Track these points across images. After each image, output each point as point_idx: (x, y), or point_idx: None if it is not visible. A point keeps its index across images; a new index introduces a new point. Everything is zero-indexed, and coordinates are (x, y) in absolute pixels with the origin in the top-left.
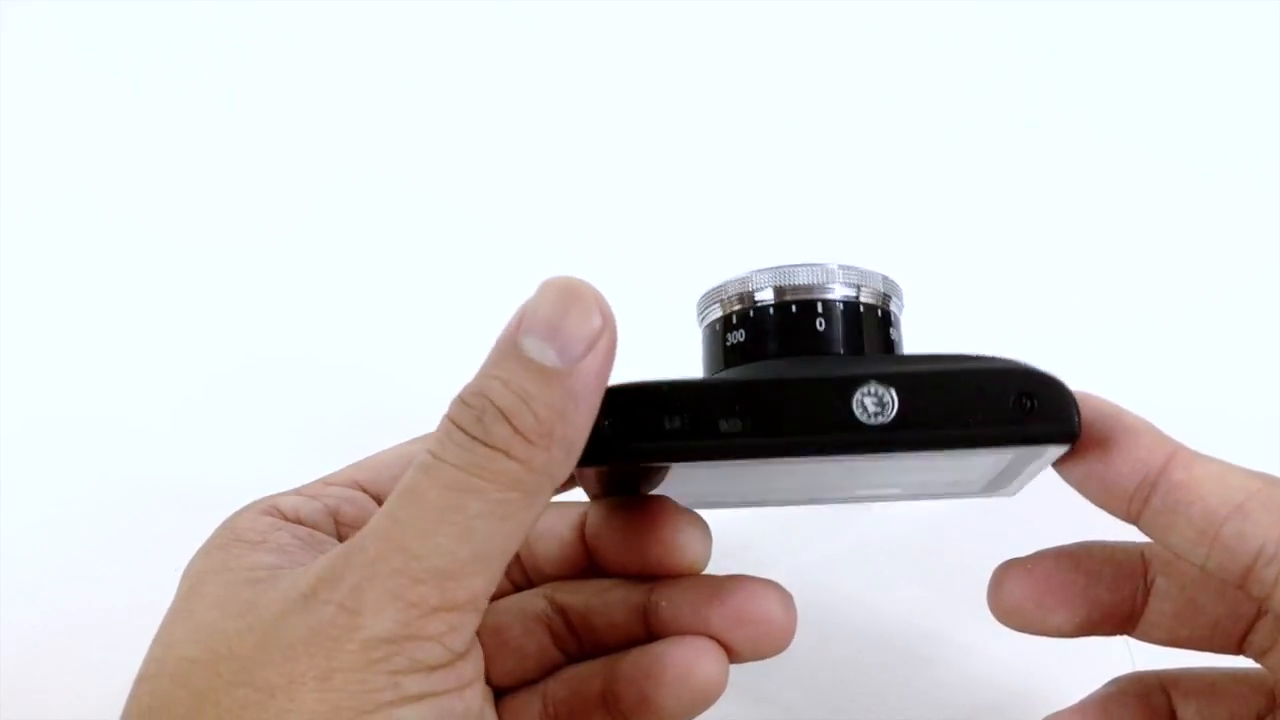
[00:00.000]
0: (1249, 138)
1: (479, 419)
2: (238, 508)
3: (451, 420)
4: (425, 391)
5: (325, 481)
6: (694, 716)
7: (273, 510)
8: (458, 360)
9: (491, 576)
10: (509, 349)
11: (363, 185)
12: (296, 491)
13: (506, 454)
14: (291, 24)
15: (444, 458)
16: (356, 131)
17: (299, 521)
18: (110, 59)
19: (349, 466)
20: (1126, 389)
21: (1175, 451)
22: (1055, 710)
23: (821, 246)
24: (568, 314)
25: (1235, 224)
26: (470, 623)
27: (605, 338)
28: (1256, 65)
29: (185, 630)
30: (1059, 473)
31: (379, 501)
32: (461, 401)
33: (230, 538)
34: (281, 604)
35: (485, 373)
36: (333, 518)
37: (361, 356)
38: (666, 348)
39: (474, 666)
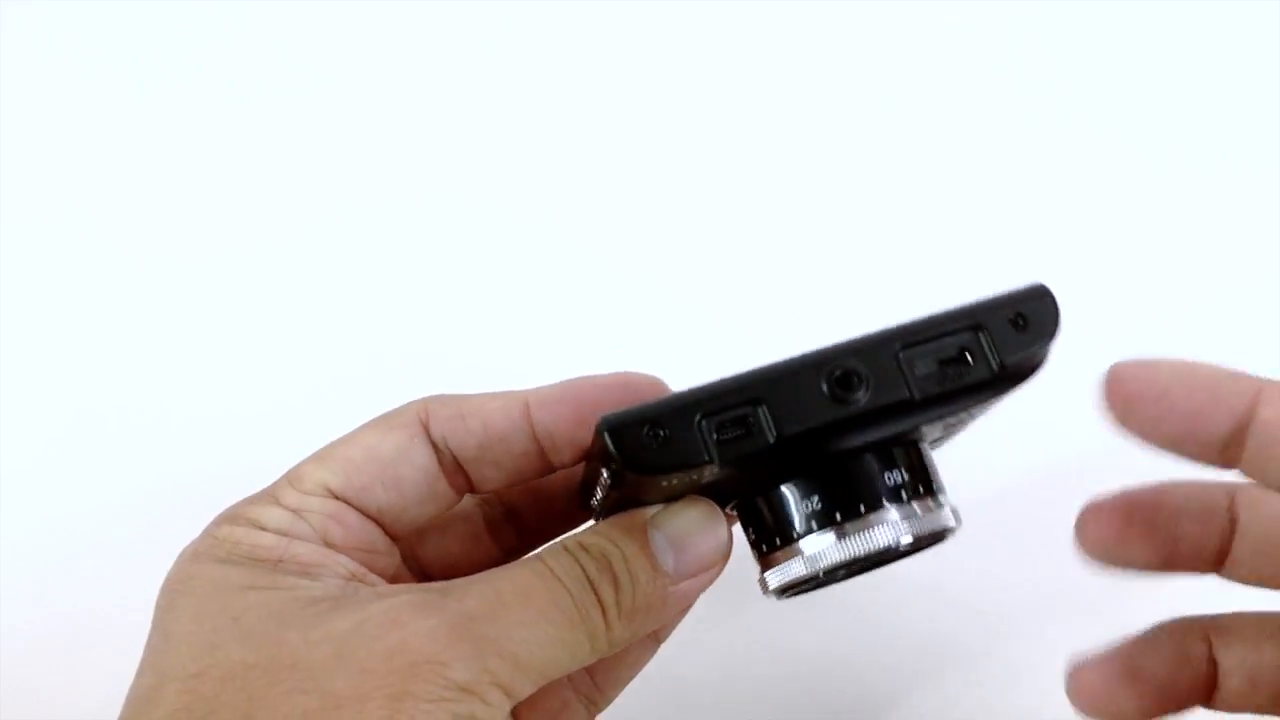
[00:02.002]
0: (1255, 134)
1: (599, 571)
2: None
3: (575, 557)
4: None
5: (298, 487)
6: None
7: (261, 527)
8: (450, 358)
9: (528, 693)
10: (638, 528)
11: (368, 181)
12: (275, 500)
13: (602, 610)
14: (292, 23)
15: (563, 580)
16: (363, 128)
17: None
18: (113, 56)
19: (315, 462)
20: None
21: (1260, 388)
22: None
23: (826, 241)
24: (698, 535)
25: (1246, 215)
26: (504, 714)
27: (713, 573)
28: (1263, 59)
29: (233, 634)
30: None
31: (364, 513)
32: (583, 547)
33: (250, 554)
34: (358, 623)
35: (610, 536)
36: (322, 541)
37: (365, 350)
38: (667, 342)
39: None
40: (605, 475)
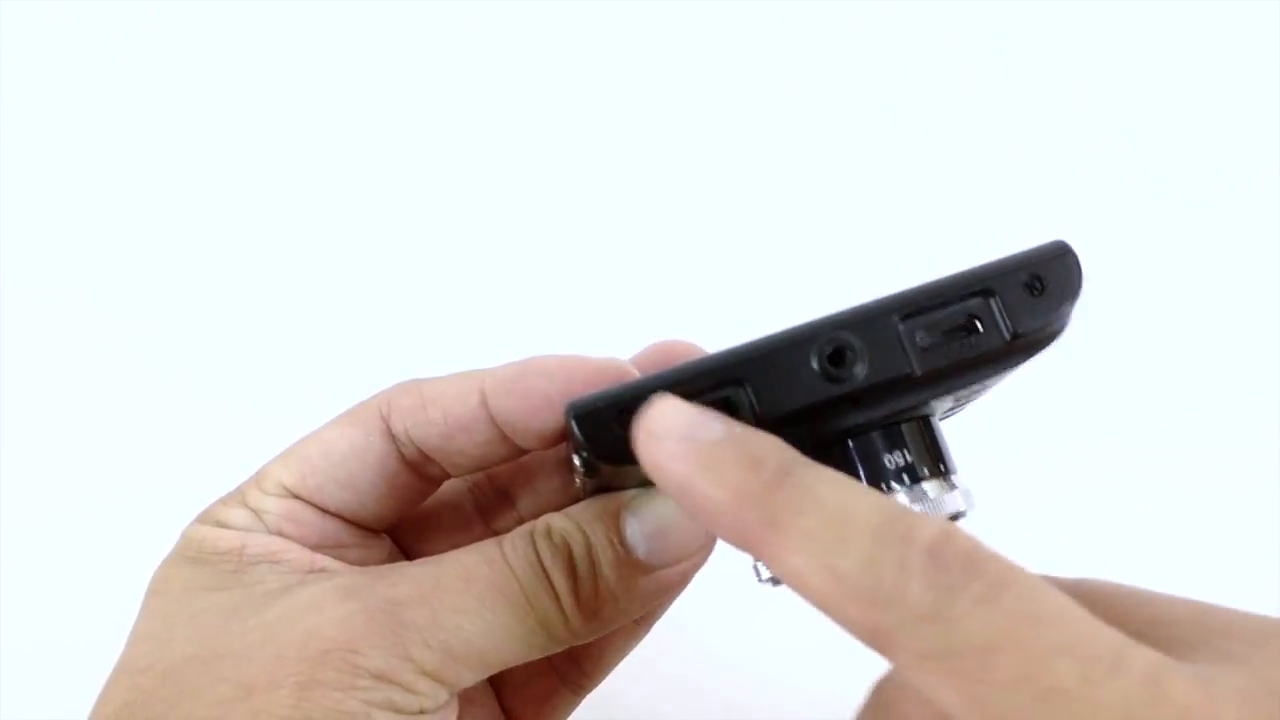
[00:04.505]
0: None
1: (554, 557)
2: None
3: (534, 542)
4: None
5: (261, 487)
6: None
7: (225, 526)
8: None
9: (474, 680)
10: (613, 513)
11: (345, 164)
12: (241, 500)
13: (557, 600)
14: (291, 21)
15: (513, 566)
16: (362, 127)
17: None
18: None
19: (278, 461)
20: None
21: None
22: None
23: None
24: (680, 527)
25: (1237, 224)
26: (445, 703)
27: (694, 562)
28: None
29: (185, 631)
30: None
31: (322, 509)
32: (547, 532)
33: (214, 553)
34: (286, 609)
35: (578, 520)
36: (279, 536)
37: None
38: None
39: (444, 715)
40: (578, 462)
